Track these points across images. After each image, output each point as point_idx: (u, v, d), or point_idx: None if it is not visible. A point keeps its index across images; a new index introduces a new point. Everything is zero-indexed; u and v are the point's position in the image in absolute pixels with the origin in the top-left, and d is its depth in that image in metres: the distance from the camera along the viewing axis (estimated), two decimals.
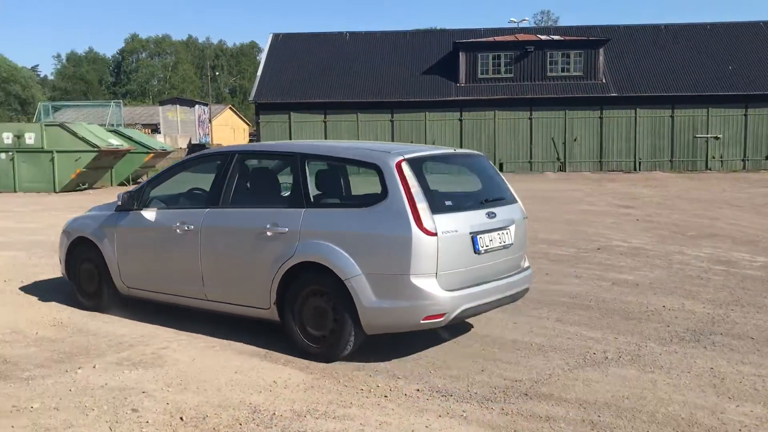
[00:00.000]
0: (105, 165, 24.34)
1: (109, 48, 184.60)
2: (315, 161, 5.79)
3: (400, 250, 4.96)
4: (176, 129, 52.21)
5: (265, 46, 38.38)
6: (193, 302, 6.15)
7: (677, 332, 6.08)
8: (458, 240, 5.16)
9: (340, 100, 33.63)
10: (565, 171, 32.80)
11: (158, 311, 6.58)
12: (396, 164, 5.14)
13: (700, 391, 4.70)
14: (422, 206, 5.00)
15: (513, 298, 5.83)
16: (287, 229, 5.40)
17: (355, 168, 5.78)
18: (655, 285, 7.97)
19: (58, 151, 22.69)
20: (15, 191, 22.77)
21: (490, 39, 34.63)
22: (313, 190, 5.60)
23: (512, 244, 5.68)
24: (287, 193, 5.85)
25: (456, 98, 33.35)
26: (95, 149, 22.63)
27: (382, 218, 5.07)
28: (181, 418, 4.22)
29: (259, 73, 35.90)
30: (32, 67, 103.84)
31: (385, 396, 4.62)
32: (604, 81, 33.22)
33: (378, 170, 5.20)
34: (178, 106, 56.08)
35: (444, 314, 5.07)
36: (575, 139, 33.06)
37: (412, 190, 5.03)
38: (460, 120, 33.47)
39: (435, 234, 4.98)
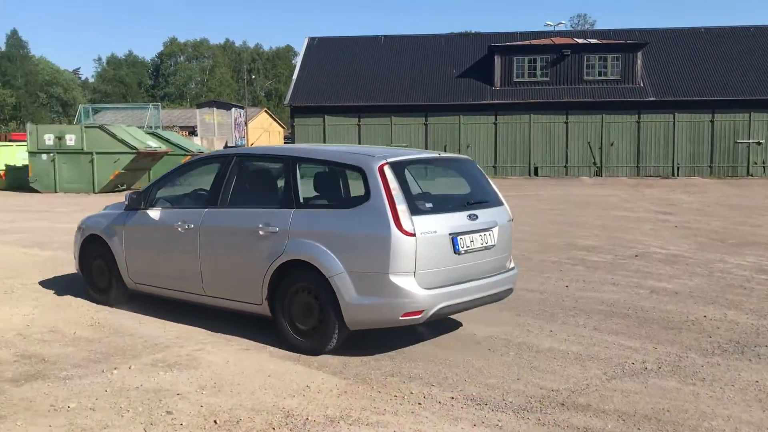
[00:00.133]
0: (143, 167, 24.70)
1: (148, 51, 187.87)
2: (305, 164, 6.04)
3: (380, 250, 5.18)
4: (213, 132, 52.70)
5: (301, 49, 38.66)
6: (193, 297, 6.46)
7: (720, 343, 5.91)
8: (437, 240, 5.35)
9: (374, 103, 33.69)
10: (601, 176, 32.39)
11: (193, 312, 6.62)
12: (378, 167, 5.36)
13: (746, 406, 4.55)
14: (402, 208, 5.21)
15: (495, 298, 6.02)
16: (278, 229, 5.68)
17: (344, 171, 6.05)
18: (696, 294, 7.78)
19: (97, 153, 23.12)
20: (56, 191, 23.24)
21: (526, 42, 34.38)
22: (303, 192, 5.86)
23: (494, 245, 5.86)
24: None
25: (491, 102, 33.18)
26: (134, 151, 22.99)
27: (364, 219, 5.30)
28: (215, 422, 4.22)
29: (295, 76, 36.17)
30: (74, 70, 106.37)
31: (419, 403, 4.57)
32: (641, 85, 32.73)
33: (362, 173, 5.44)
34: (214, 109, 56.65)
35: (422, 311, 5.27)
36: (612, 144, 32.62)
37: (393, 193, 5.25)
38: (495, 124, 33.27)
39: (413, 234, 5.19)
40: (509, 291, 6.20)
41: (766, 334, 6.18)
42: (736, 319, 6.67)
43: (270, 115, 72.44)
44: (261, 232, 5.76)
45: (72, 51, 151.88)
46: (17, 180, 24.53)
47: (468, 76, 34.52)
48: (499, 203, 6.16)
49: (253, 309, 5.94)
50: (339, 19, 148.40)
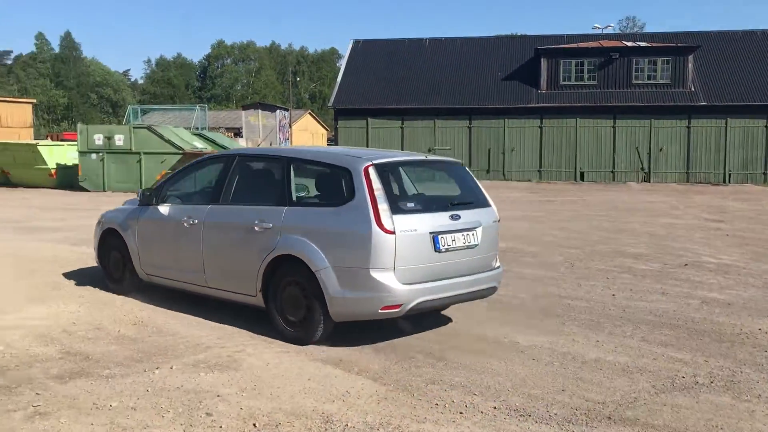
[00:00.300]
0: None
1: (196, 54, 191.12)
2: (298, 164, 6.39)
3: (361, 246, 5.51)
4: (258, 133, 53.25)
5: (345, 52, 38.79)
6: (197, 288, 6.88)
7: None
8: (417, 238, 5.65)
9: (417, 106, 33.58)
10: (649, 181, 31.68)
11: (235, 313, 6.65)
12: (363, 168, 5.67)
13: None
14: (383, 207, 5.53)
15: (478, 295, 6.28)
16: (271, 225, 6.05)
17: (333, 172, 6.18)
18: (750, 305, 7.50)
19: (145, 153, 23.54)
20: (104, 190, 23.73)
21: (573, 45, 33.86)
22: (295, 190, 6.19)
23: (477, 244, 6.10)
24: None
25: (537, 105, 32.73)
26: (180, 151, 23.33)
27: (349, 217, 5.63)
28: (254, 425, 4.20)
29: (339, 78, 36.29)
30: (124, 72, 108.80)
31: (461, 412, 4.47)
32: (692, 89, 31.93)
33: (348, 173, 5.74)
34: (260, 110, 57.19)
35: (401, 305, 5.56)
36: (661, 149, 31.88)
37: (376, 193, 5.56)
38: (540, 127, 32.82)
39: (393, 232, 5.49)
40: (493, 289, 6.43)
41: None
42: None
43: (314, 117, 72.94)
44: (257, 228, 6.13)
45: (122, 53, 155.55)
46: (67, 179, 25.10)
47: (513, 79, 34.14)
48: (486, 204, 6.43)
49: (248, 300, 6.33)
50: (384, 22, 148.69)
